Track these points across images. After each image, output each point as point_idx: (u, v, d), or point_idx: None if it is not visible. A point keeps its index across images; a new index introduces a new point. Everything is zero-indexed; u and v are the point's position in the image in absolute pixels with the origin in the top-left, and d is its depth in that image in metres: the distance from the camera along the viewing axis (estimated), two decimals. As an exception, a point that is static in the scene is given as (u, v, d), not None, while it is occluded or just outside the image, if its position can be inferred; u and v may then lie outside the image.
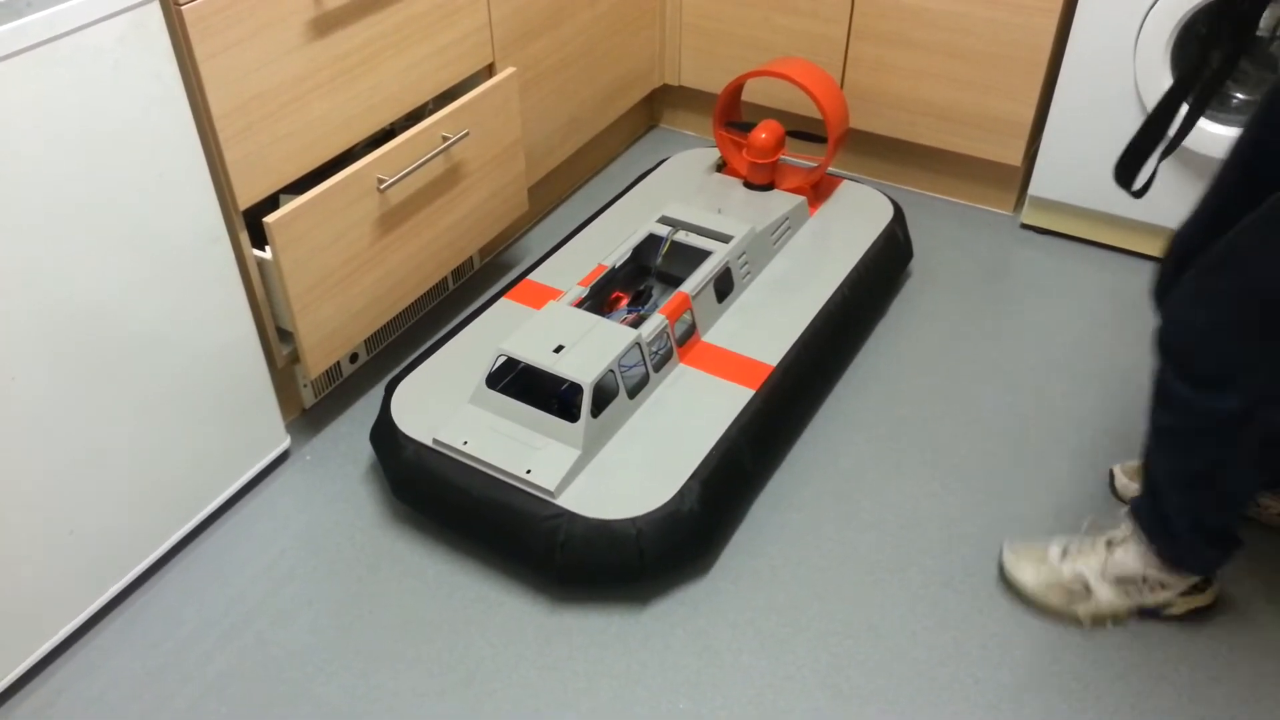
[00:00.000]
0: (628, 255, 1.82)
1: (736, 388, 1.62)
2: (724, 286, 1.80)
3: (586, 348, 1.55)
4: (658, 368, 1.64)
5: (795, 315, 1.77)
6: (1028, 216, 2.22)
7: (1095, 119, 2.00)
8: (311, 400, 1.80)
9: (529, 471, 1.46)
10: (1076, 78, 1.98)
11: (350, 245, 1.61)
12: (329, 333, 1.64)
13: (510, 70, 1.84)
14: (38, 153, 1.17)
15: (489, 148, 1.84)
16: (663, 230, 1.86)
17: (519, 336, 1.58)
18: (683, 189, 2.10)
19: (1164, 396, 1.27)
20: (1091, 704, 1.35)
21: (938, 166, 2.32)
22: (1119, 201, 2.08)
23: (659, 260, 1.86)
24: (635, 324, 1.69)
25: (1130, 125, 1.96)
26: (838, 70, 2.25)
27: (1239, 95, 1.96)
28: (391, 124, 1.76)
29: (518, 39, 1.93)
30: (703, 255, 1.82)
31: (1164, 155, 1.26)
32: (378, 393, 1.84)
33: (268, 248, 1.50)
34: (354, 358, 1.87)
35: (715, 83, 2.43)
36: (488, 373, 1.56)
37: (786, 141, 2.09)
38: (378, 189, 1.61)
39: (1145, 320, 1.98)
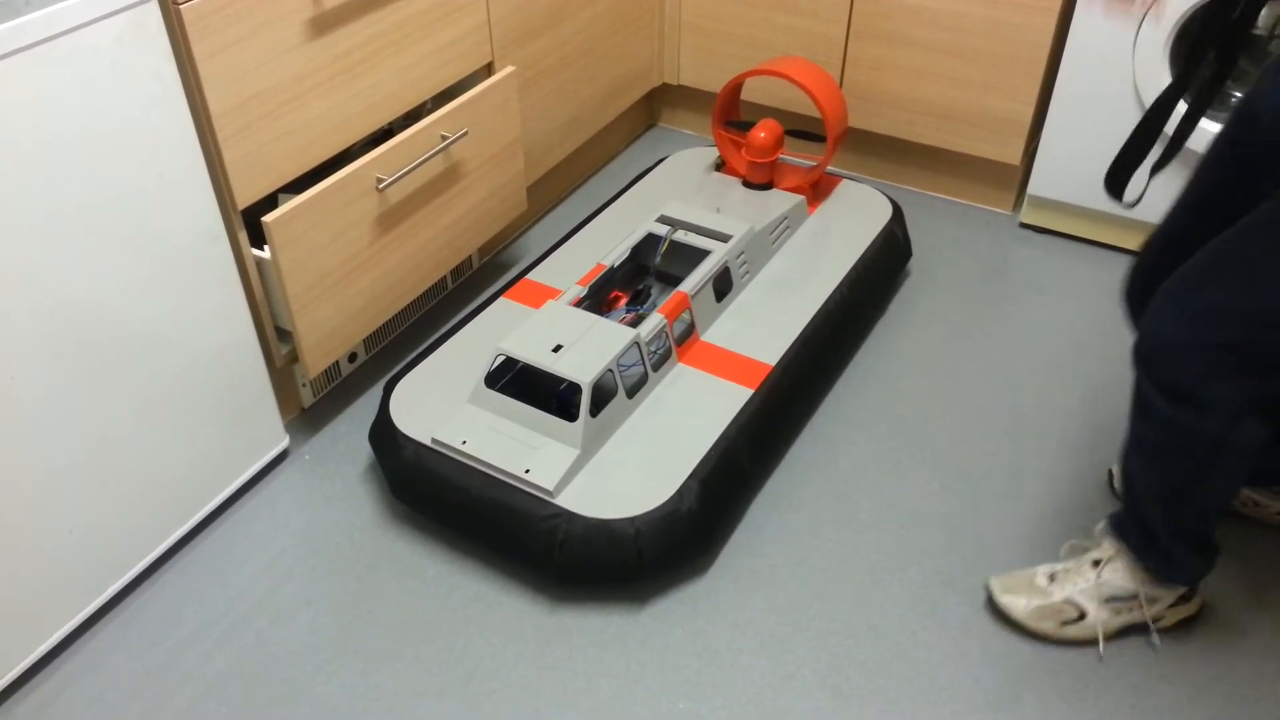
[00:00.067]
0: (626, 254, 1.82)
1: (735, 387, 1.62)
2: (723, 286, 1.79)
3: (585, 347, 1.55)
4: (656, 367, 1.63)
5: (794, 314, 1.77)
6: (1027, 216, 2.22)
7: (1094, 118, 2.00)
8: (310, 400, 1.80)
9: (528, 471, 1.46)
10: (1075, 77, 1.98)
11: (349, 244, 1.61)
12: (328, 332, 1.63)
13: (509, 69, 1.83)
14: (37, 153, 1.17)
15: (488, 147, 1.84)
16: (661, 229, 1.86)
17: (518, 336, 1.58)
18: (682, 188, 2.10)
19: (1143, 408, 1.25)
20: (1091, 704, 1.35)
21: (937, 165, 2.32)
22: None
23: (658, 259, 1.86)
24: (634, 323, 1.69)
25: (1129, 124, 1.96)
26: (837, 69, 2.25)
27: (1239, 95, 1.96)
28: (390, 123, 1.76)
29: (517, 38, 1.93)
30: (701, 254, 1.82)
31: (1164, 163, 1.25)
32: (376, 392, 1.84)
33: (266, 247, 1.50)
34: (353, 357, 1.87)
35: (714, 82, 2.43)
36: (486, 372, 1.56)
37: (785, 141, 2.09)
38: (376, 188, 1.61)
39: (1144, 319, 1.98)
